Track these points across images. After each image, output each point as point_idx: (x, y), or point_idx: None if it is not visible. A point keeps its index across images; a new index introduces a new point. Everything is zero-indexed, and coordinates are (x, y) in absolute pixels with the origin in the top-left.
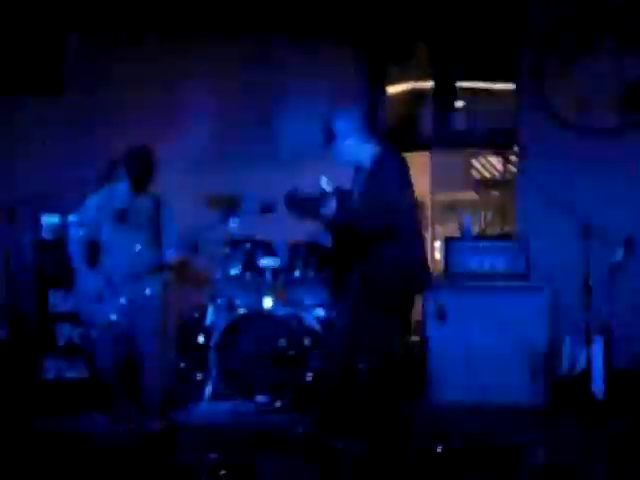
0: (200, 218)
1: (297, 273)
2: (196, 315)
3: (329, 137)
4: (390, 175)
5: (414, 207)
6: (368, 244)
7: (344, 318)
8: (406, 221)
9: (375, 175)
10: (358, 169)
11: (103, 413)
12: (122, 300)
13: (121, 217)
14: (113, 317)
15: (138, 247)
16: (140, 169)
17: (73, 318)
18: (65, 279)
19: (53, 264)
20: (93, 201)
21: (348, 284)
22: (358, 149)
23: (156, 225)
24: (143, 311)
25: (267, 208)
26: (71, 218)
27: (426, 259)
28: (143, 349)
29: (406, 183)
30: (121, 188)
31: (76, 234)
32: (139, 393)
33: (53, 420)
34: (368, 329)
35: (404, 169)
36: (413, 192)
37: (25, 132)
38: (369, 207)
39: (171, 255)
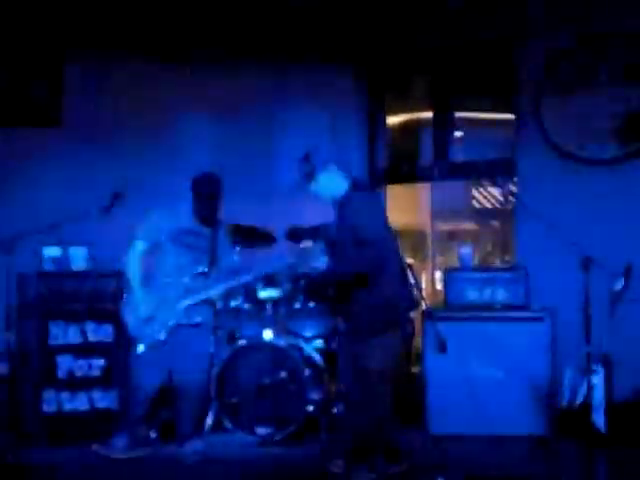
0: None
1: (297, 304)
2: None
3: (310, 174)
4: (357, 209)
5: (391, 241)
6: (355, 284)
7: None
8: (387, 256)
9: (343, 211)
10: (335, 204)
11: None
12: (172, 323)
13: (183, 238)
14: (161, 336)
15: (200, 269)
16: (211, 193)
17: (74, 350)
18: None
19: (54, 296)
20: (156, 217)
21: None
22: (333, 184)
23: (214, 252)
24: (192, 337)
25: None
26: (136, 232)
27: (411, 293)
28: (185, 373)
29: (375, 216)
30: (185, 208)
31: (136, 250)
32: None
33: (58, 452)
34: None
35: (373, 203)
36: (388, 226)
37: (24, 163)
38: (347, 250)
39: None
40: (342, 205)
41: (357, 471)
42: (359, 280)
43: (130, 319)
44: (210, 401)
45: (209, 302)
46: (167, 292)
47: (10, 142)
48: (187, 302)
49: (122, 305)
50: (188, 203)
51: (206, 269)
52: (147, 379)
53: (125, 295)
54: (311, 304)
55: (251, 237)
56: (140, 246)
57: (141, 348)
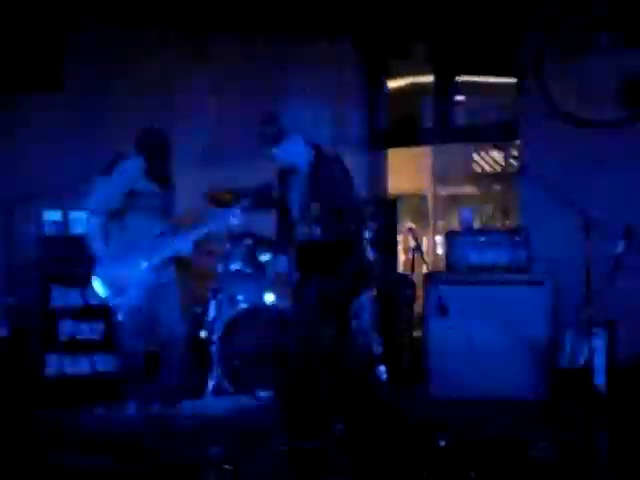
0: (200, 214)
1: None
2: (198, 310)
3: (276, 137)
4: (333, 178)
5: (361, 211)
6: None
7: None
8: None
9: (325, 179)
10: (289, 171)
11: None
12: (144, 286)
13: (136, 202)
14: (137, 302)
15: (160, 231)
16: (156, 148)
17: (76, 313)
18: (71, 274)
19: (55, 260)
20: (104, 184)
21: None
22: (296, 152)
23: (168, 211)
24: (168, 297)
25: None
26: (85, 204)
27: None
28: (165, 335)
29: (350, 186)
30: (132, 168)
31: (95, 221)
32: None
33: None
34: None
35: (346, 172)
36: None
37: (25, 129)
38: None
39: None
40: (313, 174)
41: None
42: (341, 249)
43: (104, 291)
44: (193, 362)
45: (177, 258)
46: (133, 258)
47: (11, 108)
48: (154, 262)
49: (93, 279)
50: (135, 165)
51: (165, 229)
52: (133, 345)
53: (94, 268)
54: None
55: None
56: (96, 218)
57: (120, 317)
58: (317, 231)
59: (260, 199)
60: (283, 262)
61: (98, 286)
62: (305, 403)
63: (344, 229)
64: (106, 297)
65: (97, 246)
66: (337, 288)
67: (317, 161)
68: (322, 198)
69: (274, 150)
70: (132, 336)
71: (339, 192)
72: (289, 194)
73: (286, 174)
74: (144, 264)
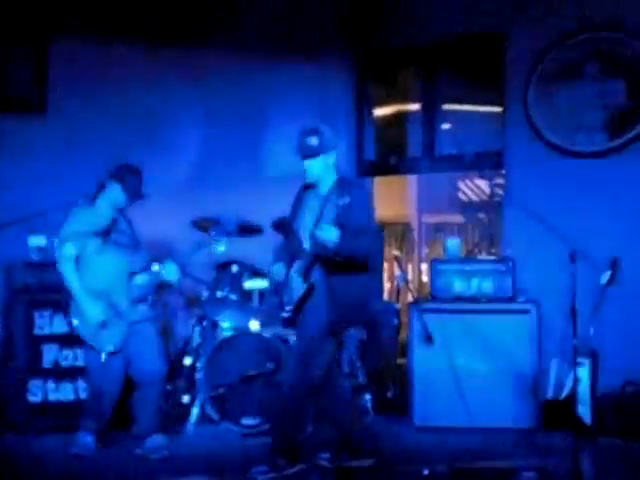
0: (185, 242)
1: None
2: (183, 337)
3: (317, 150)
4: (362, 200)
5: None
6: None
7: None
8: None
9: (350, 205)
10: (307, 190)
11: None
12: (123, 325)
13: (106, 235)
14: (118, 343)
15: (156, 266)
16: (139, 186)
17: (60, 340)
18: (56, 300)
19: (40, 286)
20: (77, 218)
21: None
22: (328, 170)
23: (135, 246)
24: (145, 335)
25: (247, 229)
26: (58, 238)
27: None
28: (144, 372)
29: (372, 211)
30: (103, 206)
31: (67, 254)
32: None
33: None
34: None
35: (370, 197)
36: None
37: (8, 154)
38: (355, 238)
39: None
40: (340, 194)
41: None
42: (353, 266)
43: (83, 328)
44: (167, 395)
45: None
46: (111, 294)
47: None
48: (134, 301)
49: (71, 314)
50: (118, 193)
51: (139, 268)
52: (108, 380)
53: (70, 303)
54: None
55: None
56: (70, 249)
57: (103, 357)
58: (333, 235)
59: (278, 229)
60: (281, 270)
61: (78, 322)
62: (294, 430)
63: (356, 248)
64: (86, 335)
65: (70, 277)
66: (341, 316)
67: (338, 184)
68: (338, 221)
69: (309, 162)
70: (108, 372)
71: (365, 213)
72: (303, 213)
73: (303, 193)
74: (123, 303)
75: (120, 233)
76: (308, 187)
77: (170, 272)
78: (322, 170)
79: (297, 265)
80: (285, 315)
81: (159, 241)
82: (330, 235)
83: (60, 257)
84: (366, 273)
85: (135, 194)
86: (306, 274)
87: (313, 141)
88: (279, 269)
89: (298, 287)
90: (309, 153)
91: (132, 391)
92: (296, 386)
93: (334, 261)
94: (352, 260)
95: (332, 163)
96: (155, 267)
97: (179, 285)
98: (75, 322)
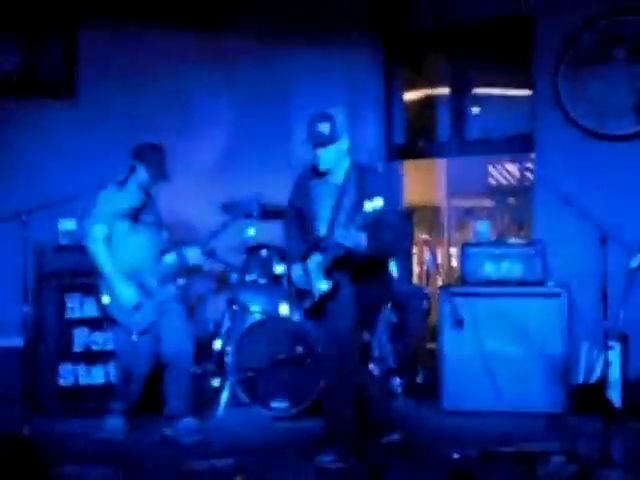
0: (214, 225)
1: None
2: (213, 320)
3: (330, 137)
4: (384, 193)
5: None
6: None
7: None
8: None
9: (355, 188)
10: (316, 178)
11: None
12: (153, 305)
13: (135, 216)
14: (147, 323)
15: (161, 247)
16: (162, 166)
17: (91, 323)
18: (87, 284)
19: (70, 270)
20: (107, 200)
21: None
22: (341, 157)
23: (160, 226)
24: (173, 315)
25: (269, 212)
26: (88, 220)
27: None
28: (173, 352)
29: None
30: (132, 184)
31: (98, 235)
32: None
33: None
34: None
35: (386, 186)
36: None
37: (40, 138)
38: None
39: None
40: (358, 182)
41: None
42: (377, 262)
43: (114, 307)
44: (197, 379)
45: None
46: (141, 274)
47: (24, 113)
48: (161, 281)
49: (101, 293)
50: (134, 179)
51: (167, 245)
52: (138, 360)
53: (100, 283)
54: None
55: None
56: (100, 231)
57: (134, 337)
58: (361, 241)
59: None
60: (298, 271)
61: (112, 305)
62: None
63: (379, 243)
64: (120, 318)
65: (101, 258)
66: (370, 301)
67: (353, 171)
68: (353, 210)
69: (323, 151)
70: (141, 357)
71: (387, 206)
72: (315, 203)
73: (309, 181)
74: (153, 283)
75: (148, 213)
76: (313, 173)
77: (192, 255)
78: (335, 158)
79: (316, 258)
80: (306, 307)
81: (188, 223)
82: (358, 241)
83: (90, 238)
84: (389, 264)
85: (158, 174)
86: (328, 271)
87: (325, 128)
88: (299, 273)
89: (318, 281)
90: (321, 142)
91: (162, 374)
92: (333, 372)
93: (358, 260)
94: (376, 255)
95: (345, 149)
96: (183, 250)
97: (207, 268)
98: (106, 301)
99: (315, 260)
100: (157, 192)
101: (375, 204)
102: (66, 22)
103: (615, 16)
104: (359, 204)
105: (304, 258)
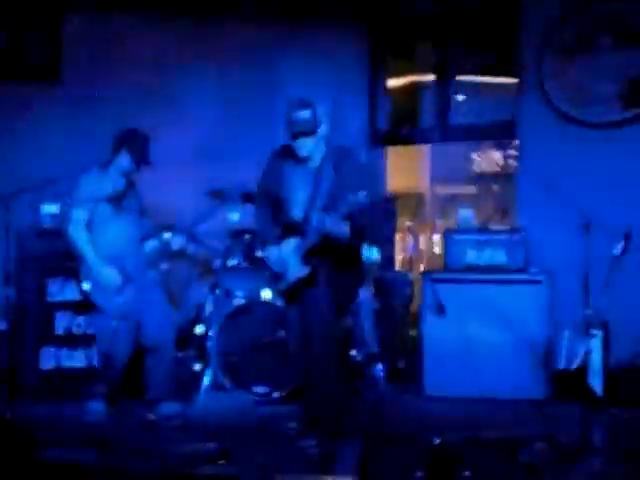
0: (200, 209)
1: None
2: (195, 305)
3: (311, 125)
4: (363, 177)
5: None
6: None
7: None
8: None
9: (330, 176)
10: (287, 159)
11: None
12: (134, 290)
13: (117, 200)
14: (127, 308)
15: (166, 234)
16: (146, 151)
17: (72, 307)
18: (68, 267)
19: (52, 253)
20: (88, 184)
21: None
22: (319, 146)
23: (142, 212)
24: (154, 299)
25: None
26: (69, 202)
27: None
28: (154, 337)
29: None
30: (114, 169)
31: (79, 219)
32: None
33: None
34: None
35: (362, 169)
36: None
37: (22, 121)
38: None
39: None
40: (336, 166)
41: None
42: (354, 247)
43: (94, 292)
44: (179, 363)
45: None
46: (122, 259)
47: (9, 96)
48: (142, 265)
49: (82, 278)
50: (128, 160)
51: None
52: (119, 345)
53: (81, 269)
54: None
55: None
56: (81, 215)
57: (114, 322)
58: (344, 229)
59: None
60: (274, 254)
61: (93, 288)
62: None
63: (357, 229)
64: (96, 299)
65: (81, 242)
66: (347, 286)
67: (331, 156)
68: (330, 194)
69: (303, 139)
70: (120, 341)
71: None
72: (290, 186)
73: (283, 163)
74: (134, 266)
75: (130, 198)
76: (287, 155)
77: (175, 241)
78: (315, 145)
79: (293, 242)
80: (280, 289)
81: (172, 209)
82: (341, 229)
83: (71, 222)
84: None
85: (141, 159)
86: (306, 256)
87: (306, 115)
88: (274, 256)
89: (294, 266)
90: (301, 130)
91: (143, 358)
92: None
93: (338, 246)
94: (354, 241)
95: (323, 135)
96: (166, 235)
97: (192, 253)
98: (86, 286)
99: (291, 244)
100: (141, 178)
101: (360, 196)
102: (52, 6)
103: (600, 3)
104: (338, 189)
105: (278, 241)
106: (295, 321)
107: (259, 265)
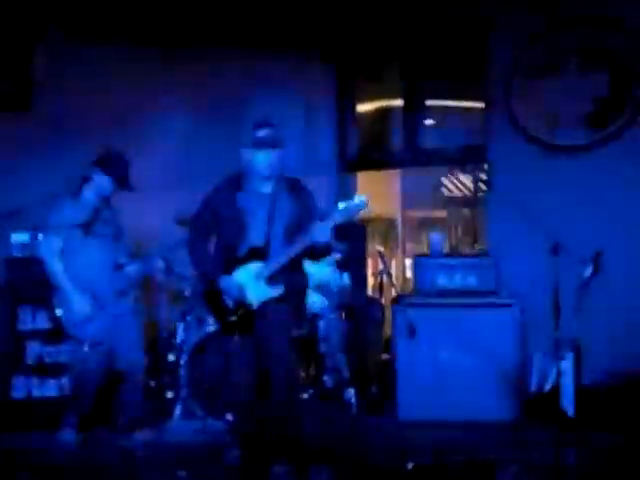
0: (169, 236)
1: None
2: (166, 333)
3: (275, 141)
4: (311, 197)
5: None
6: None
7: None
8: None
9: (304, 202)
10: (246, 189)
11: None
12: (106, 317)
13: (88, 226)
14: (100, 335)
15: (123, 260)
16: (126, 174)
17: (44, 336)
18: (39, 296)
19: (23, 282)
20: (61, 210)
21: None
22: (281, 163)
23: (118, 238)
24: (127, 327)
25: None
26: (44, 230)
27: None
28: (126, 365)
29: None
30: (87, 196)
31: (53, 247)
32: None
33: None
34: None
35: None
36: None
37: None
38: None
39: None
40: (292, 189)
41: None
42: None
43: (67, 319)
44: (151, 391)
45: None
46: (95, 286)
47: None
48: (116, 293)
49: (55, 305)
50: (105, 183)
51: (122, 259)
52: (90, 372)
53: (53, 295)
54: None
55: None
56: (55, 242)
57: (86, 349)
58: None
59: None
60: (230, 283)
61: (64, 315)
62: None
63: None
64: (71, 328)
65: (56, 269)
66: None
67: (282, 181)
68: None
69: (270, 155)
70: (92, 369)
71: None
72: (245, 213)
73: (235, 192)
74: (107, 295)
75: (104, 224)
76: (238, 184)
77: (152, 267)
78: (276, 162)
79: (254, 267)
80: (232, 319)
81: (144, 236)
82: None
83: (45, 250)
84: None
85: (122, 182)
86: (273, 278)
87: (271, 132)
88: (230, 284)
89: (258, 289)
90: (264, 145)
91: (116, 386)
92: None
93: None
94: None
95: (282, 156)
96: (144, 261)
97: (163, 281)
98: (59, 313)
99: (251, 269)
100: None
101: (347, 204)
102: (22, 37)
103: (566, 27)
104: (297, 213)
105: (229, 270)
106: (245, 351)
107: None
